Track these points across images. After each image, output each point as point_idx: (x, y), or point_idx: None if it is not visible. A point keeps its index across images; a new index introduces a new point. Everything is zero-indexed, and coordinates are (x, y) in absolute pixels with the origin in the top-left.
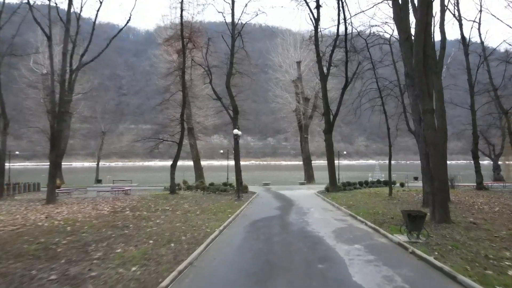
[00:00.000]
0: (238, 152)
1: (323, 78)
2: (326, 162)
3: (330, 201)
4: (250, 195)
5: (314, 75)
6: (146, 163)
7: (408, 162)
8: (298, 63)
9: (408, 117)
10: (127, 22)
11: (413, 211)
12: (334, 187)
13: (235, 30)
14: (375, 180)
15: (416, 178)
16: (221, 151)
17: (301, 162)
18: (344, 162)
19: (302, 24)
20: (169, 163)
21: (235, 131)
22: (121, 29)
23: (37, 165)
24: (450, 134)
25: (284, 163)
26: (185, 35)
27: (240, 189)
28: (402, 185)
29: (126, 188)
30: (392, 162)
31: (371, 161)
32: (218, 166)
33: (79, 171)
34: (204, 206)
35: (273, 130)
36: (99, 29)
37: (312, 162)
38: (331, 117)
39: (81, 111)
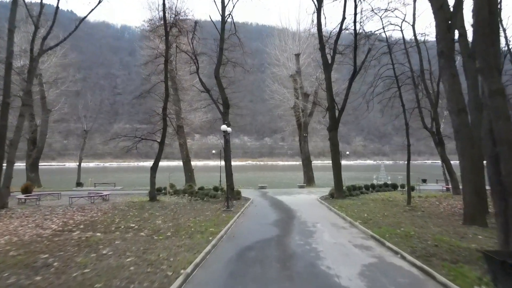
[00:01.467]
0: (229, 152)
1: (327, 67)
2: (324, 162)
3: (338, 212)
4: (243, 203)
5: (314, 68)
6: (141, 164)
7: (406, 162)
8: (297, 55)
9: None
10: (100, 1)
11: (502, 252)
12: (340, 192)
13: (226, 11)
14: (382, 183)
15: (424, 181)
16: (213, 151)
17: (298, 162)
18: (343, 162)
19: (301, 8)
20: (164, 163)
21: (223, 127)
22: (93, 9)
23: (18, 165)
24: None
25: (281, 163)
26: (169, 19)
27: (230, 197)
28: (412, 189)
29: (105, 193)
30: (390, 162)
31: (369, 161)
32: (213, 167)
33: (71, 171)
34: (181, 222)
35: (270, 130)
36: (95, 28)
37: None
38: (336, 112)
39: (61, 108)
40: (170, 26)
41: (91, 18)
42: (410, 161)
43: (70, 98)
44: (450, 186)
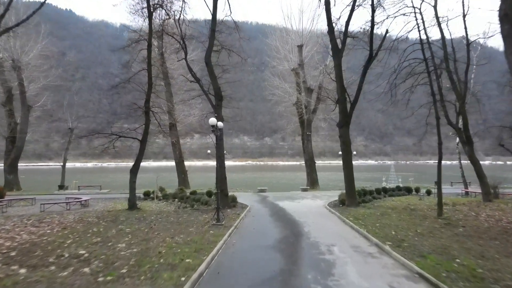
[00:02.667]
0: (221, 152)
1: (337, 53)
2: (325, 163)
3: (357, 228)
4: (238, 212)
5: (319, 61)
6: (141, 164)
7: (408, 162)
8: (300, 47)
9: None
10: None
11: None
12: (352, 199)
13: None
14: (394, 186)
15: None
16: (209, 151)
17: (298, 163)
18: None
19: None
20: (163, 163)
21: (212, 120)
22: None
23: None
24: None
25: (281, 163)
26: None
27: (220, 207)
28: (428, 193)
29: (85, 198)
30: (392, 162)
31: (370, 161)
32: (213, 167)
33: (67, 172)
34: (151, 246)
35: (270, 129)
36: (94, 27)
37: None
38: (348, 105)
39: (44, 104)
40: (153, 7)
41: (90, 17)
42: (412, 162)
43: (68, 96)
44: (469, 189)
